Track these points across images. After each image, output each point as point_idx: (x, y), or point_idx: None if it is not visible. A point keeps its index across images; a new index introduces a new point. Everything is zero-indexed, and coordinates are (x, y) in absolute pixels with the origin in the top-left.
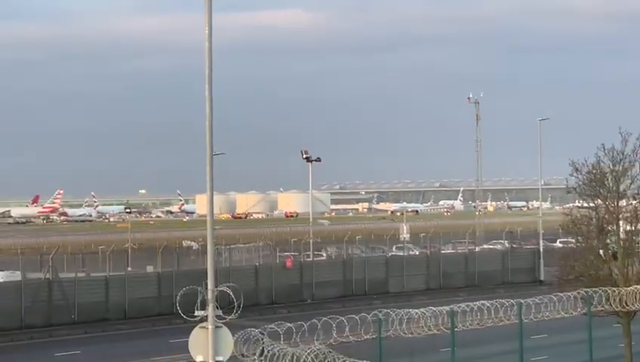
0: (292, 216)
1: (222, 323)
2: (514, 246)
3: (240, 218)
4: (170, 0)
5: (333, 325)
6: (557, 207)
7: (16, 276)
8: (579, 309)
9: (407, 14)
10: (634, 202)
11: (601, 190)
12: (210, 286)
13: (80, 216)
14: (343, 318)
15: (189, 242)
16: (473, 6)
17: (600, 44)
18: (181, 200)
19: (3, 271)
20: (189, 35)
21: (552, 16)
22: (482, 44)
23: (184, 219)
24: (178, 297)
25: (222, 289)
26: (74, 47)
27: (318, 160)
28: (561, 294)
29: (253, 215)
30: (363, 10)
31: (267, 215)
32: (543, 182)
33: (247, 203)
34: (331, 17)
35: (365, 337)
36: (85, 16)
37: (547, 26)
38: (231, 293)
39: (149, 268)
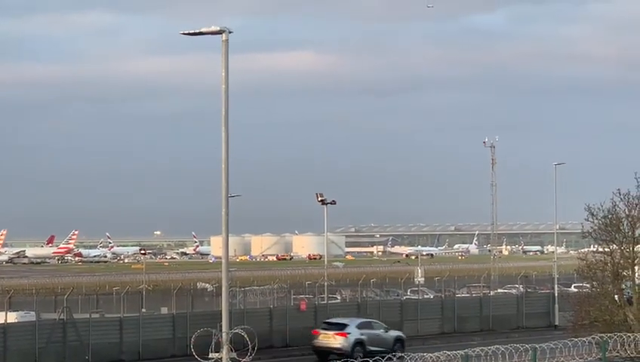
0: (315, 259)
1: None
2: (529, 290)
3: (285, 259)
4: (177, 42)
5: None
6: (572, 252)
7: (31, 316)
8: (594, 355)
9: (420, 57)
10: None
11: (616, 235)
12: (224, 328)
13: (95, 256)
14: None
15: (203, 284)
16: (485, 50)
17: (614, 89)
18: (196, 242)
19: (17, 311)
20: (201, 77)
21: (564, 61)
22: (496, 87)
23: (210, 261)
24: (192, 339)
25: (236, 331)
26: (86, 88)
27: (334, 202)
28: (576, 339)
29: (268, 257)
30: (375, 53)
31: (291, 257)
32: (558, 227)
33: (262, 245)
34: (344, 60)
35: None
36: (93, 57)
37: (560, 71)
38: (245, 336)
39: (164, 310)
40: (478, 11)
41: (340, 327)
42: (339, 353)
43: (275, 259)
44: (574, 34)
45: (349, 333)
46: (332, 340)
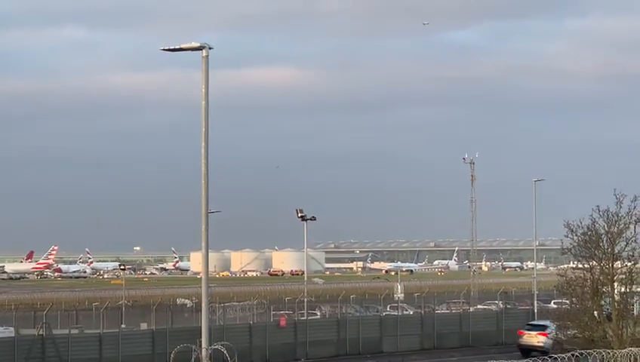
0: (297, 274)
1: None
2: (508, 306)
3: (277, 275)
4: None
5: None
6: (551, 268)
7: (10, 332)
8: None
9: (397, 73)
10: (628, 264)
11: (596, 251)
12: (204, 344)
13: (74, 272)
14: None
15: (183, 299)
16: (461, 66)
17: (589, 105)
18: (176, 258)
19: None
20: (178, 92)
21: (541, 77)
22: (472, 103)
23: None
24: (172, 355)
25: (216, 347)
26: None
27: (313, 219)
28: (555, 356)
29: (248, 273)
30: (351, 69)
31: (262, 273)
32: (537, 243)
33: (242, 261)
34: (320, 75)
35: None
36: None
37: (537, 87)
38: (225, 352)
39: (143, 325)
40: (453, 28)
41: (542, 328)
42: (540, 350)
43: (258, 274)
44: (550, 50)
45: (549, 333)
46: (534, 339)
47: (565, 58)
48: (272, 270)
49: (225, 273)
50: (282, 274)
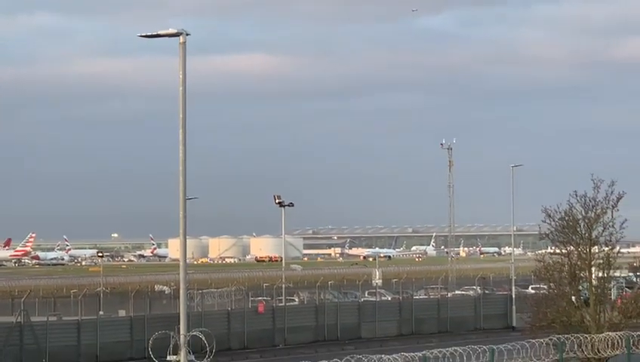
0: (276, 261)
1: None
2: (486, 292)
3: (264, 261)
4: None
5: None
6: (529, 253)
7: None
8: (551, 356)
9: (371, 60)
10: (606, 249)
11: (573, 236)
12: (182, 330)
13: (52, 259)
14: None
15: (161, 286)
16: (435, 53)
17: (564, 91)
18: (153, 245)
19: None
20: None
21: (515, 64)
22: (448, 90)
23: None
24: (150, 341)
25: (194, 334)
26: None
27: (291, 205)
28: (533, 340)
29: (226, 259)
30: (325, 56)
31: (240, 259)
32: (515, 228)
33: (220, 247)
34: (294, 63)
35: None
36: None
37: (511, 74)
38: (203, 338)
39: (121, 312)
40: (426, 14)
41: None
42: None
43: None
44: (523, 36)
45: None
46: None
47: (539, 45)
48: (258, 256)
49: (204, 259)
50: (269, 260)
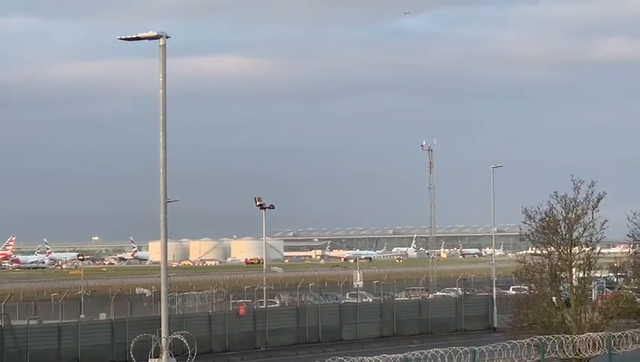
0: (253, 263)
1: None
2: (467, 293)
3: (253, 263)
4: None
5: None
6: (510, 254)
7: None
8: (532, 357)
9: (350, 61)
10: (586, 249)
11: (554, 237)
12: (163, 333)
13: (32, 262)
14: None
15: (141, 289)
16: (415, 53)
17: (545, 91)
18: (134, 247)
19: None
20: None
21: (495, 64)
22: (428, 90)
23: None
24: (132, 345)
25: (175, 336)
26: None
27: (272, 207)
28: (515, 341)
29: (206, 262)
30: (303, 57)
31: (220, 262)
32: (496, 229)
33: (201, 250)
34: (273, 64)
35: None
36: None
37: (490, 74)
38: (184, 341)
39: (102, 316)
40: (404, 15)
41: None
42: None
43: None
44: (502, 36)
45: None
46: None
47: (517, 44)
48: (248, 259)
49: (186, 262)
50: (258, 262)
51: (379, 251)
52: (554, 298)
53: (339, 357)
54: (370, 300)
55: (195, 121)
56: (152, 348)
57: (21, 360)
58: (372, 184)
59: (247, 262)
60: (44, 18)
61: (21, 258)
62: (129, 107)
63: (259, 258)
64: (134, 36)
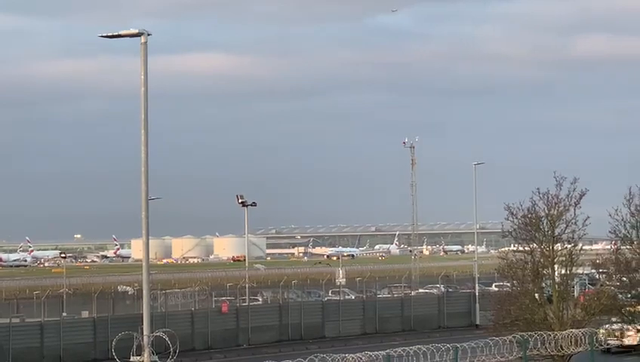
0: (240, 260)
1: None
2: (450, 290)
3: (240, 260)
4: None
5: None
6: (492, 251)
7: None
8: (514, 353)
9: (330, 59)
10: (569, 246)
11: (536, 234)
12: (145, 331)
13: (14, 260)
14: None
15: (124, 287)
16: (395, 51)
17: (527, 89)
18: (116, 245)
19: None
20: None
21: (476, 61)
22: (409, 88)
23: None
24: (114, 342)
25: (158, 334)
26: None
27: (254, 204)
28: (497, 338)
29: (189, 259)
30: (283, 56)
31: (203, 259)
32: (478, 226)
33: (183, 247)
34: (254, 62)
35: None
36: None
37: (470, 71)
38: (167, 339)
39: (85, 314)
40: (383, 11)
41: None
42: None
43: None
44: (482, 33)
45: None
46: None
47: (498, 42)
48: (235, 256)
49: (170, 259)
50: (244, 259)
51: (361, 248)
52: (536, 294)
53: (321, 355)
54: (353, 297)
55: (178, 119)
56: (135, 346)
57: (3, 358)
58: (355, 181)
59: (233, 260)
60: (24, 16)
61: (3, 256)
62: (111, 105)
63: (244, 255)
64: (115, 34)
